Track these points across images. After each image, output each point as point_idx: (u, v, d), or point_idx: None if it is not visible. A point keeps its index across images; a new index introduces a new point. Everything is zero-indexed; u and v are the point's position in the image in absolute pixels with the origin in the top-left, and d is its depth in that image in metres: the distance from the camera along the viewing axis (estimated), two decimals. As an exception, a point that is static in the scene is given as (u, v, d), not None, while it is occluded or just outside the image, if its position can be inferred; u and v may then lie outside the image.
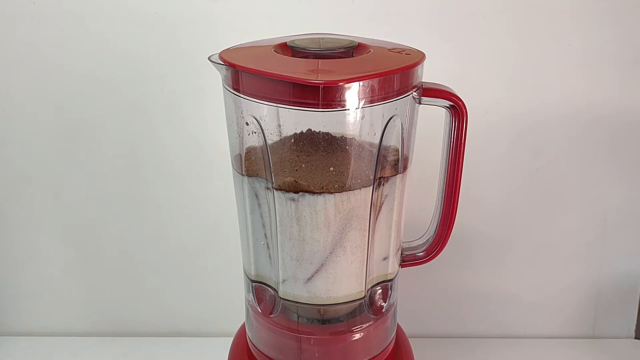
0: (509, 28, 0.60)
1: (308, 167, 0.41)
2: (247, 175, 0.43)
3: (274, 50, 0.42)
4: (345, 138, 0.41)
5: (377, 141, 0.41)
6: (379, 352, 0.48)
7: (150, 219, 0.66)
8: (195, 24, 0.59)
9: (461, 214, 0.47)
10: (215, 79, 0.43)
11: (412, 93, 0.42)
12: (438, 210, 0.48)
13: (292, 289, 0.44)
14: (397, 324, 0.52)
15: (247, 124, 0.41)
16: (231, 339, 0.54)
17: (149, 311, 0.70)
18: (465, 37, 0.60)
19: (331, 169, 0.41)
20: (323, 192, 0.40)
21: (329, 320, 0.46)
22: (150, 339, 0.70)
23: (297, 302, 0.45)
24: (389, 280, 0.47)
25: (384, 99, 0.39)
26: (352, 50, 0.42)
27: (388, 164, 0.43)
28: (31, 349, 0.68)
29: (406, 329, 0.55)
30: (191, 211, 0.66)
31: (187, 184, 0.65)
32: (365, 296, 0.45)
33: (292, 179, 0.41)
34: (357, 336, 0.46)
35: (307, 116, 0.39)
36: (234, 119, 0.42)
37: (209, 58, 0.41)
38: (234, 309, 0.59)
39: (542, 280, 0.69)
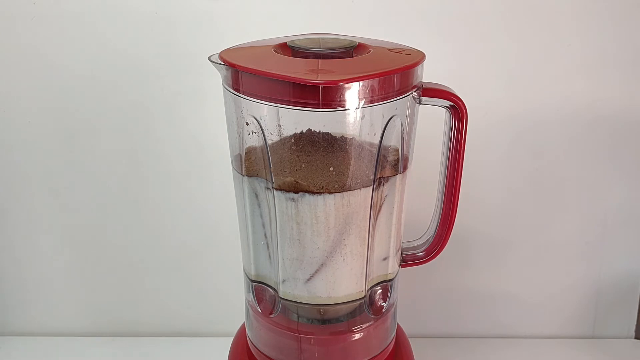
0: (509, 28, 0.60)
1: (308, 167, 0.41)
2: (247, 175, 0.43)
3: (274, 50, 0.42)
4: (345, 138, 0.41)
5: (377, 141, 0.41)
6: (379, 352, 0.47)
7: (150, 219, 0.66)
8: (195, 24, 0.59)
9: (461, 214, 0.47)
10: (215, 79, 0.43)
11: (412, 93, 0.41)
12: (438, 210, 0.48)
13: (292, 289, 0.44)
14: (397, 324, 0.52)
15: (247, 124, 0.41)
16: (231, 339, 0.54)
17: (149, 311, 0.70)
18: (465, 37, 0.60)
19: (331, 169, 0.41)
20: (323, 192, 0.40)
21: (329, 320, 0.46)
22: (150, 339, 0.70)
23: (297, 302, 0.45)
24: (389, 280, 0.47)
25: (384, 99, 0.39)
26: (352, 50, 0.42)
27: (388, 164, 0.43)
28: (31, 349, 0.68)
29: (406, 329, 0.55)
30: (191, 211, 0.66)
31: (187, 184, 0.65)
32: (365, 296, 0.45)
33: (292, 179, 0.40)
34: (357, 336, 0.46)
35: (307, 116, 0.39)
36: (234, 119, 0.42)
37: (209, 58, 0.41)
38: (234, 309, 0.59)
39: (542, 280, 0.69)
